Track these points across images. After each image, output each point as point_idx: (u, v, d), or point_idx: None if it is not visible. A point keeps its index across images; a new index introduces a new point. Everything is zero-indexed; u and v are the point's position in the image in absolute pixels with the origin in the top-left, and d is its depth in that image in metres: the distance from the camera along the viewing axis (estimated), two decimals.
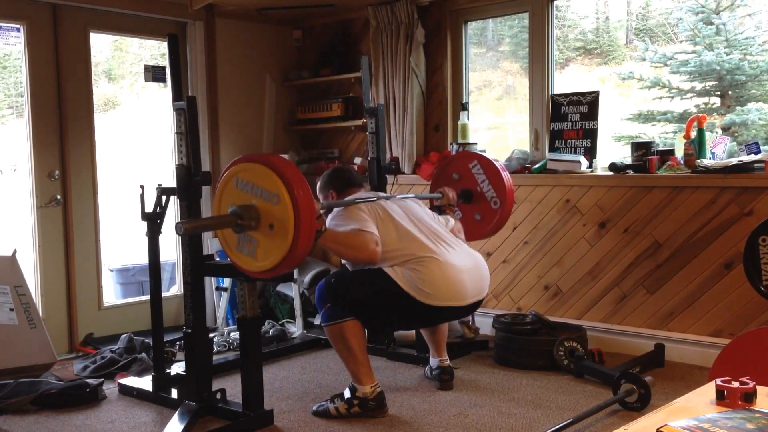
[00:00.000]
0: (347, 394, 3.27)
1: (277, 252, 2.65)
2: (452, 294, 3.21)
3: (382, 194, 3.57)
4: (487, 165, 3.91)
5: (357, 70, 4.84)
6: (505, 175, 3.89)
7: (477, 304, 3.39)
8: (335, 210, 3.31)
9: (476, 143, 4.77)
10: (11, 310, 3.87)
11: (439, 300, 3.18)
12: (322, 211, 3.14)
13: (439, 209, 3.76)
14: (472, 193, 3.94)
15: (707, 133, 3.96)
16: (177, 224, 2.68)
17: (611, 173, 4.11)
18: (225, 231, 2.83)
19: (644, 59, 4.79)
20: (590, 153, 4.30)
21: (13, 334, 3.84)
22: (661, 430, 1.34)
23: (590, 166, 4.28)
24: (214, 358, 3.97)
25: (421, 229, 3.30)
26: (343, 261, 3.52)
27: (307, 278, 4.98)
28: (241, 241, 2.77)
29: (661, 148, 4.13)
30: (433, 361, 3.69)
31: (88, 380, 3.66)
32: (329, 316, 3.25)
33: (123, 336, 4.25)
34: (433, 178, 4.12)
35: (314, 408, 3.34)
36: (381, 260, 3.18)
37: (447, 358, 3.68)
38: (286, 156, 4.99)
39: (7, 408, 3.40)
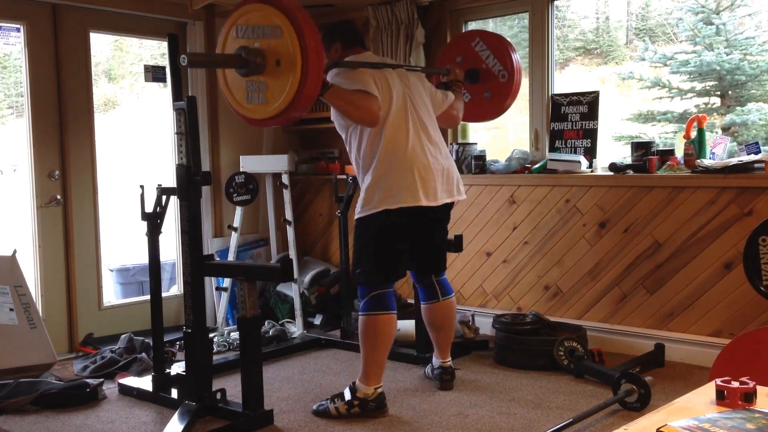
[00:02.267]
0: (347, 394, 3.26)
1: (289, 88, 2.65)
2: (422, 191, 3.22)
3: (389, 61, 3.52)
4: (490, 38, 3.92)
5: None
6: (510, 46, 3.88)
7: (449, 206, 3.45)
8: (339, 68, 3.25)
9: (476, 143, 4.78)
10: (11, 310, 3.88)
11: (412, 199, 3.19)
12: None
13: (446, 85, 3.73)
14: (479, 71, 3.91)
15: (707, 133, 3.96)
16: (181, 55, 2.73)
17: (611, 173, 4.11)
18: (233, 86, 2.85)
19: (644, 59, 4.78)
20: (590, 153, 4.30)
21: (13, 334, 3.84)
22: (661, 430, 1.34)
23: (590, 166, 4.28)
24: (214, 358, 3.97)
25: (410, 117, 3.28)
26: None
27: (307, 278, 4.98)
28: (250, 92, 2.79)
29: (661, 148, 4.13)
30: (436, 361, 3.68)
31: (88, 380, 3.66)
32: (369, 306, 3.26)
33: (123, 336, 4.25)
34: (437, 65, 4.09)
35: (314, 407, 3.34)
36: (366, 144, 3.21)
37: (450, 359, 3.68)
38: (285, 156, 4.99)
39: (7, 408, 3.40)
